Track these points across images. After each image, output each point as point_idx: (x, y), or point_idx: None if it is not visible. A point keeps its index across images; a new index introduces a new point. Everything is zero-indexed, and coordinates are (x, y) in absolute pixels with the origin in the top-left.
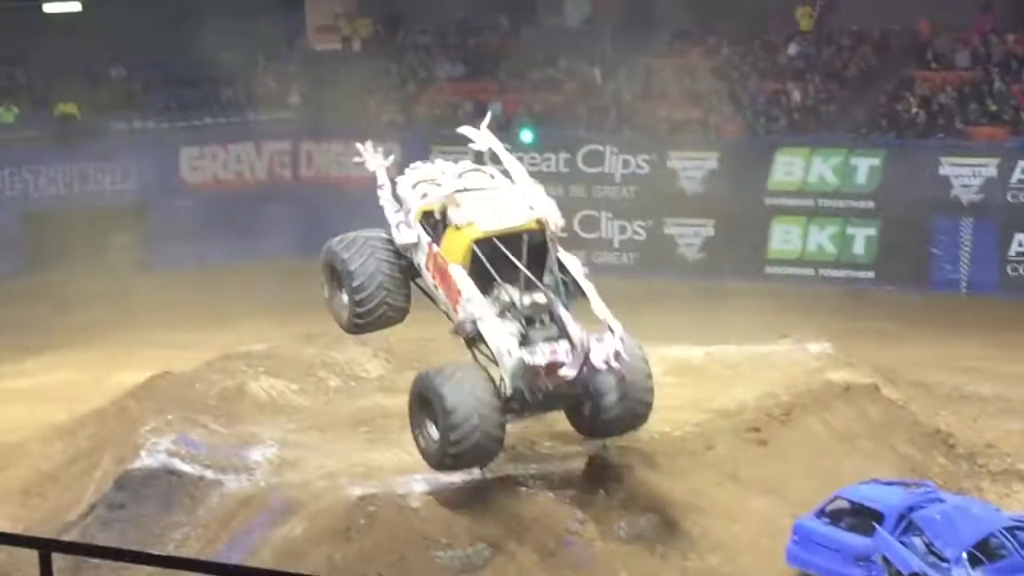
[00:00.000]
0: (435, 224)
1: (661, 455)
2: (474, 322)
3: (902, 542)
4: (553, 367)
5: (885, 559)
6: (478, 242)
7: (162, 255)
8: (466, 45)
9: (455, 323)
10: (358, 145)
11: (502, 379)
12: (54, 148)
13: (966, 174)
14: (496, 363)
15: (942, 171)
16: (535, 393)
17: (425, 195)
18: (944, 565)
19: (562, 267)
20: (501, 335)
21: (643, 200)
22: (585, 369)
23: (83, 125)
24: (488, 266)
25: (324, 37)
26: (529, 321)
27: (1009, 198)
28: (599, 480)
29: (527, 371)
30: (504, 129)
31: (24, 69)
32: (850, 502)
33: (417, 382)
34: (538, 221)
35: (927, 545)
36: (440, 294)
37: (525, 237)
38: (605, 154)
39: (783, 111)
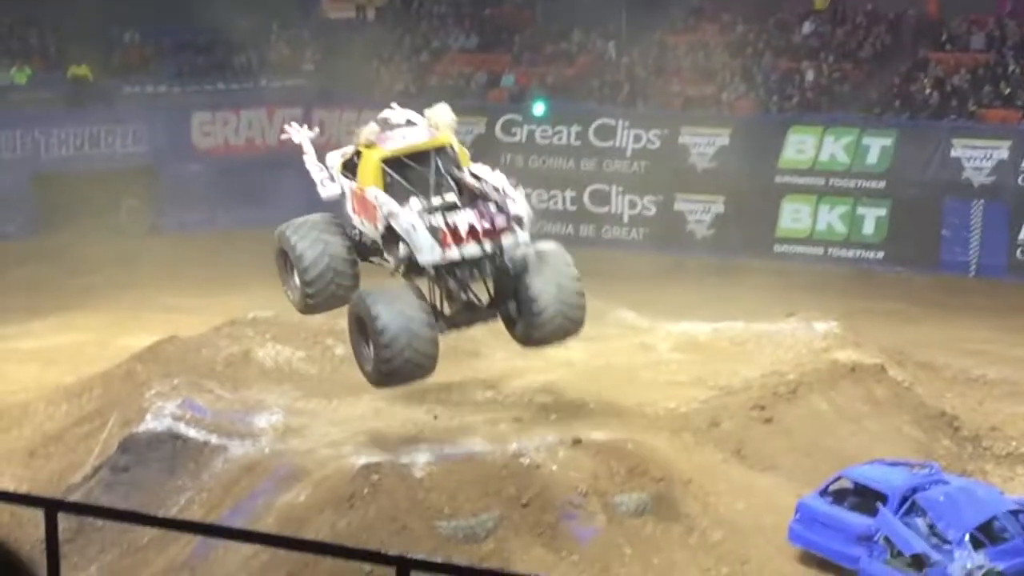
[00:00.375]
0: (354, 168)
1: (666, 431)
2: (388, 218)
3: (905, 523)
4: (457, 231)
5: (887, 539)
6: (386, 161)
7: (172, 219)
8: (481, 16)
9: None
10: (285, 125)
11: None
12: (66, 110)
13: (978, 156)
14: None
15: (954, 153)
16: (450, 269)
17: (345, 153)
18: (946, 547)
19: (477, 178)
20: (408, 217)
21: (654, 175)
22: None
23: (95, 88)
24: (402, 181)
25: (338, 5)
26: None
27: (1020, 181)
28: (602, 454)
29: (436, 235)
30: (517, 101)
31: (38, 31)
32: (854, 482)
33: (352, 304)
34: (442, 139)
35: (930, 527)
36: (367, 227)
37: (433, 154)
38: (617, 128)
39: (796, 89)
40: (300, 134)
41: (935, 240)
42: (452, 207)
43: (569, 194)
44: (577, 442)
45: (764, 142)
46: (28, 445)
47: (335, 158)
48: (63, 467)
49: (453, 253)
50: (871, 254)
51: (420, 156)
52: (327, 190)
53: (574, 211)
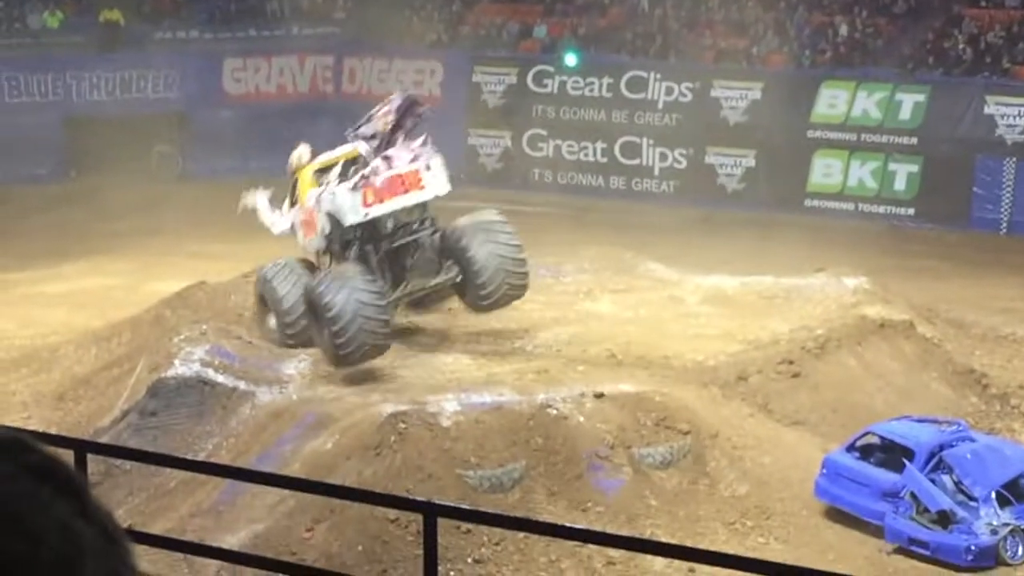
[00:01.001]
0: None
1: (693, 384)
2: (317, 203)
3: (931, 480)
4: (376, 187)
5: (913, 496)
6: (316, 172)
7: (202, 165)
8: None
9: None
10: (242, 199)
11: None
12: (98, 54)
13: (1011, 113)
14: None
15: (987, 110)
16: (387, 240)
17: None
18: (972, 504)
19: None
20: (328, 189)
21: (685, 128)
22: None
23: (127, 32)
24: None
25: None
26: None
27: None
28: (629, 406)
29: (350, 198)
30: (549, 52)
31: None
32: (881, 438)
33: (306, 292)
34: (356, 151)
35: (956, 483)
36: (316, 242)
37: (351, 163)
38: (649, 80)
39: (829, 44)
40: (252, 197)
41: (967, 197)
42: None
43: (600, 146)
44: (599, 396)
45: (796, 96)
46: (57, 388)
47: (285, 202)
48: (92, 411)
49: (377, 209)
50: (902, 210)
51: (347, 166)
52: (278, 226)
53: (605, 163)
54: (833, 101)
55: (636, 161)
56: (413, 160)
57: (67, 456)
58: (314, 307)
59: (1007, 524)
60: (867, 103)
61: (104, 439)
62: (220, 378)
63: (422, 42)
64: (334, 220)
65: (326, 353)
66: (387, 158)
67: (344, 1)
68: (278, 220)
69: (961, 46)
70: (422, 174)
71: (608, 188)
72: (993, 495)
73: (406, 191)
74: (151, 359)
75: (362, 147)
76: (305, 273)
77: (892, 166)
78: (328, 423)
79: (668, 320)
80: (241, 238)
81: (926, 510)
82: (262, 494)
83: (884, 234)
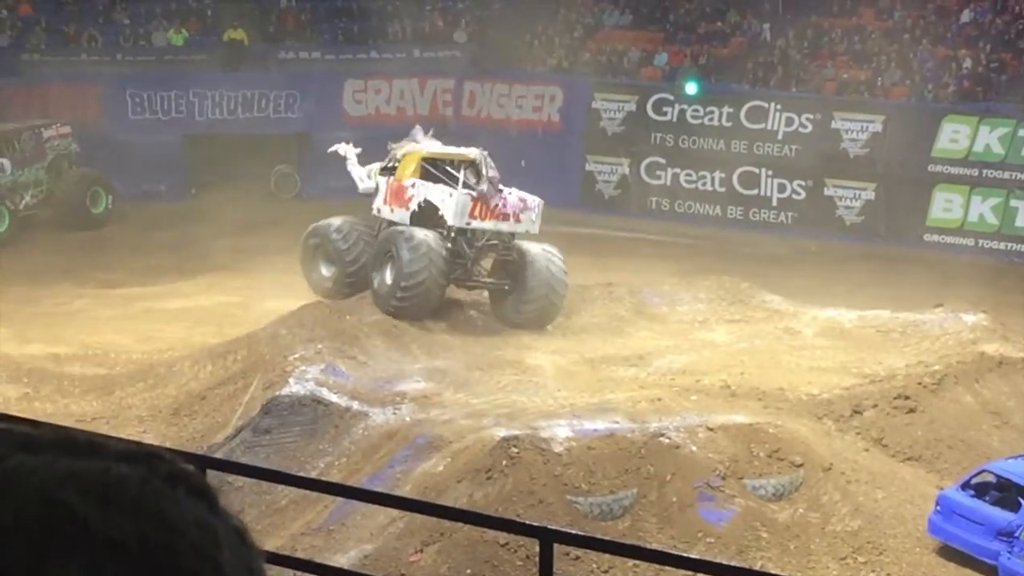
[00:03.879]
0: (392, 170)
1: (808, 416)
2: (426, 194)
3: None
4: (484, 206)
5: None
6: (425, 159)
7: (319, 185)
8: None
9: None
10: (336, 146)
11: (446, 229)
12: (221, 73)
13: None
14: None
15: None
16: (470, 232)
17: (384, 163)
18: None
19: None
20: (444, 189)
21: (804, 159)
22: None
23: (250, 52)
24: (438, 174)
25: None
26: None
27: None
28: (742, 437)
29: (461, 204)
30: (669, 80)
31: None
32: (996, 476)
33: (386, 237)
34: (472, 156)
35: None
36: (397, 214)
37: (463, 165)
38: (769, 111)
39: (953, 78)
40: (345, 148)
41: None
42: (481, 193)
43: (718, 175)
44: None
45: (918, 130)
46: (173, 403)
47: (374, 165)
48: (206, 427)
49: (477, 224)
50: (1023, 247)
51: (451, 164)
52: (364, 184)
53: (723, 192)
54: (955, 136)
55: (754, 191)
56: (521, 199)
57: None
58: (388, 252)
59: None
60: (989, 138)
61: (218, 455)
62: (334, 398)
63: (543, 67)
64: (432, 208)
65: (377, 291)
66: (499, 188)
67: (466, 24)
68: (365, 180)
69: None
70: (523, 212)
71: (725, 218)
72: None
73: (505, 219)
74: (266, 377)
75: (474, 152)
76: (366, 230)
77: (1014, 202)
78: (440, 446)
79: (783, 352)
80: None
81: None
82: (372, 515)
83: (1004, 271)
